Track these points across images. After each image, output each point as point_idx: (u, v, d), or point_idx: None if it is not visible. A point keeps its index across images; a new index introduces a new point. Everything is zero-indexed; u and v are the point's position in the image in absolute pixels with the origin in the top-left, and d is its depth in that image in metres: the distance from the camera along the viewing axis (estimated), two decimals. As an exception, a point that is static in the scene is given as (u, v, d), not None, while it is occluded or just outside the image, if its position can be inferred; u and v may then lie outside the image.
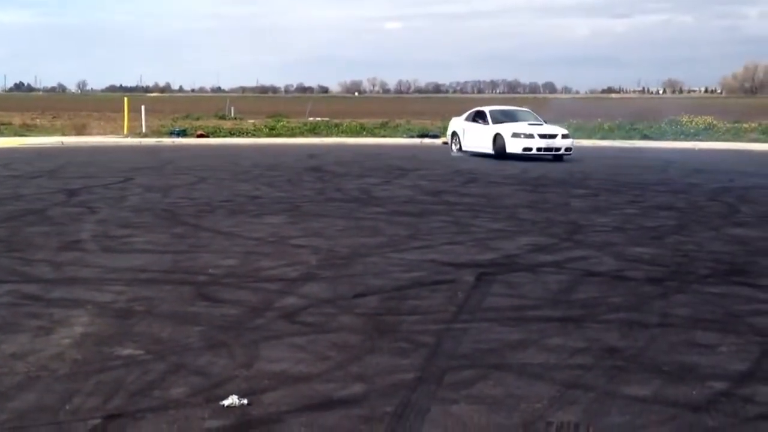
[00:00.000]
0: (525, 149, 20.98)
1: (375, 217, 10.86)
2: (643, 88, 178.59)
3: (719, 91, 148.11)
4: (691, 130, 33.32)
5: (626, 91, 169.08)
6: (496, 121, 22.37)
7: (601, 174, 17.68)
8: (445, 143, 26.76)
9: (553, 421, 4.00)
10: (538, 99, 79.96)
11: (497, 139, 21.66)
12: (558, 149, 21.17)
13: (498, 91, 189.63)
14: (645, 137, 31.97)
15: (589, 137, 31.02)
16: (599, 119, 35.51)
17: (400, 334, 5.46)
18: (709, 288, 6.92)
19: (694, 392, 4.43)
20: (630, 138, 31.64)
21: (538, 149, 20.99)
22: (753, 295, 6.70)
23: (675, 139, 31.16)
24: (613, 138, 31.44)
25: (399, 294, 6.57)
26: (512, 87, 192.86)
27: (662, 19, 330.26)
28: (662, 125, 34.52)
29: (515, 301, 6.42)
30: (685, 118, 35.78)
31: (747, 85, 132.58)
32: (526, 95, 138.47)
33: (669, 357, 5.03)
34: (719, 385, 4.54)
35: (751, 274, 7.53)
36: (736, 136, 31.82)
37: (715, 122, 35.20)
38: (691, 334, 5.56)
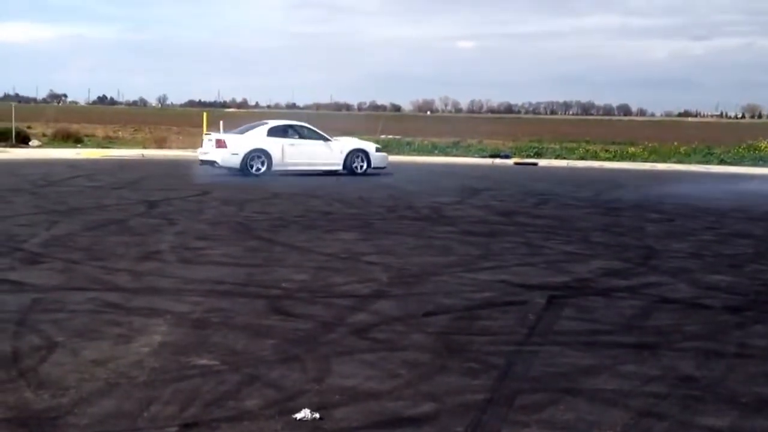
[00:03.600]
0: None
1: (446, 236, 10.87)
2: (721, 112, 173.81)
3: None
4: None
5: (703, 115, 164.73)
6: None
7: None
8: (518, 163, 26.57)
9: (626, 449, 3.94)
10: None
11: None
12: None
13: (571, 112, 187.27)
14: (722, 162, 31.21)
15: (664, 161, 30.55)
16: (675, 143, 34.81)
17: (471, 354, 5.46)
18: (790, 319, 6.71)
19: (773, 426, 4.31)
20: (707, 162, 30.92)
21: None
22: (837, 328, 6.46)
23: (753, 165, 30.32)
24: (689, 162, 30.78)
25: (469, 314, 6.57)
26: (586, 109, 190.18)
27: (743, 42, 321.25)
28: (740, 150, 33.66)
29: (587, 326, 6.34)
30: (763, 144, 34.79)
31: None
32: (600, 117, 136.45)
33: (747, 388, 4.90)
34: (800, 420, 4.40)
35: (835, 306, 7.27)
36: (819, 163, 30.73)
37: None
38: (771, 366, 5.41)
